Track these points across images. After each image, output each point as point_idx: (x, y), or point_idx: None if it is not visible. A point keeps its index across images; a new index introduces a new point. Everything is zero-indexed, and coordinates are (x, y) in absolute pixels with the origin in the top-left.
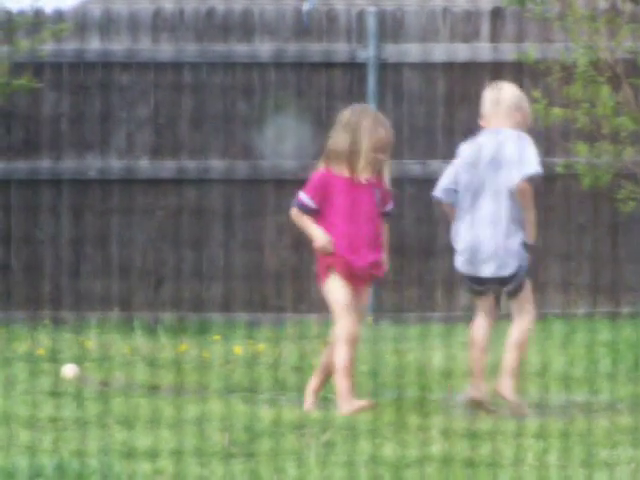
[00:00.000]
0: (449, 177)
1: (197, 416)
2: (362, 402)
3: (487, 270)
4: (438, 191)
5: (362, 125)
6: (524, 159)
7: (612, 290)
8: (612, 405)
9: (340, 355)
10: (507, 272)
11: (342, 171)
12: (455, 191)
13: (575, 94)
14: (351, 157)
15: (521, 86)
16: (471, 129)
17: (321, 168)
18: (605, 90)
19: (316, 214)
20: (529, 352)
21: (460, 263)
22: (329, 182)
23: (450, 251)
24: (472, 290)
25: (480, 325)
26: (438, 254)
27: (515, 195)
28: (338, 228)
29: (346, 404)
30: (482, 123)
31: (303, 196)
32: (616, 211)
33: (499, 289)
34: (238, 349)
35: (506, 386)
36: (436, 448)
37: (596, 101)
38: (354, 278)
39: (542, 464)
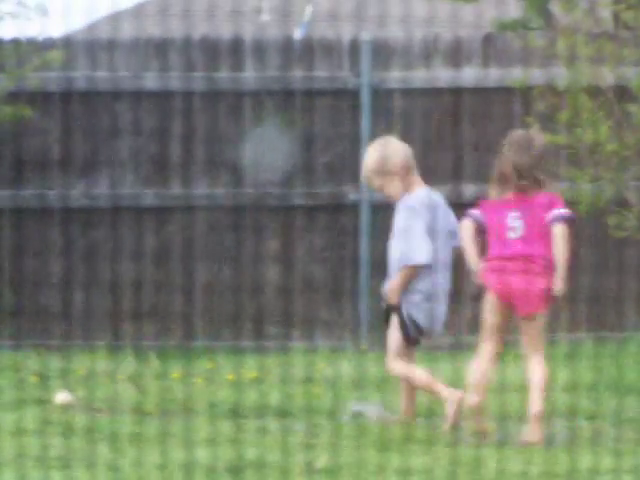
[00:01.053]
0: None
1: (204, 437)
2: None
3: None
4: None
5: None
6: None
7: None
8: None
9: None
10: None
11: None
12: None
13: (567, 120)
14: None
15: (512, 111)
16: (461, 153)
17: None
18: (597, 116)
19: None
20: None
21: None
22: None
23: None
24: None
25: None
26: None
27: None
28: None
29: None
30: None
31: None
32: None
33: None
34: (230, 376)
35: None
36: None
37: (587, 127)
38: None
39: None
